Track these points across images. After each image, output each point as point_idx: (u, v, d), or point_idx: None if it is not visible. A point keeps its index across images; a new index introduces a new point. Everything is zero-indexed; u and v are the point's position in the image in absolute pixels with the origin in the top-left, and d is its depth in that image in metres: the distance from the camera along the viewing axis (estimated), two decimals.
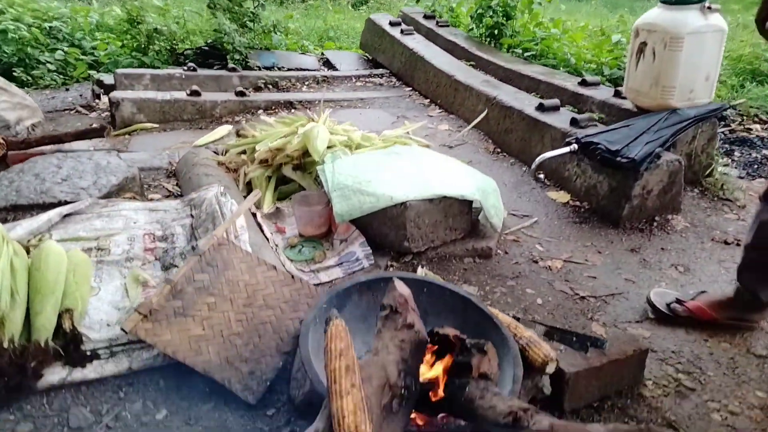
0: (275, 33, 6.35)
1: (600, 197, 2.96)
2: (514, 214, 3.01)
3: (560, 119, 3.36)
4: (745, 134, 4.54)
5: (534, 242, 2.76)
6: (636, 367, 1.85)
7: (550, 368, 1.64)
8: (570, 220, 2.96)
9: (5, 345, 1.54)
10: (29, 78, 5.38)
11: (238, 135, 3.41)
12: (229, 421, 1.64)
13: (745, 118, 4.80)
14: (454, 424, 1.56)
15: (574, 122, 3.20)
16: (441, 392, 1.34)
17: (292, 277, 1.98)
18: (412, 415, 1.52)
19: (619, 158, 2.72)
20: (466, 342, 1.46)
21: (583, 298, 2.36)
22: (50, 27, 5.98)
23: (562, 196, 3.16)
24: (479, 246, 2.58)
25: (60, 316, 1.69)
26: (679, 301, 2.21)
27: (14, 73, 5.29)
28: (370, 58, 6.38)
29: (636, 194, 2.80)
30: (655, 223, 2.90)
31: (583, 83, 3.93)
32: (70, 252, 1.89)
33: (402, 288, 1.53)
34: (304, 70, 5.73)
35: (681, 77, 3.03)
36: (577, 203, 3.09)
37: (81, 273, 1.84)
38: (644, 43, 3.10)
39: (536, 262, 2.59)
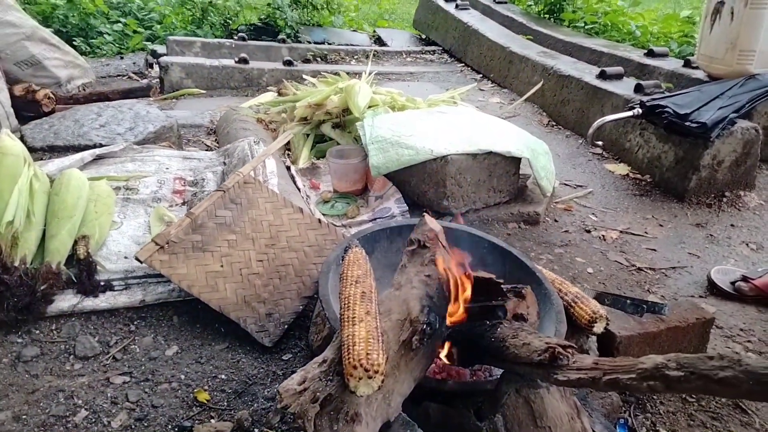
0: (327, 10, 6.29)
1: (664, 169, 2.70)
2: (567, 184, 2.79)
3: (623, 87, 3.10)
4: None
5: (587, 212, 2.54)
6: (698, 338, 1.63)
7: (598, 327, 1.44)
8: (629, 193, 2.72)
9: (16, 264, 1.48)
10: (88, 47, 5.50)
11: (280, 94, 3.33)
12: (242, 362, 1.53)
13: None
14: (486, 377, 1.41)
15: (638, 89, 2.94)
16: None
17: (319, 221, 1.85)
18: (439, 361, 1.38)
19: (688, 123, 2.46)
20: (503, 287, 1.29)
21: (639, 269, 2.13)
22: (118, 1, 6.12)
23: (622, 168, 2.91)
24: (526, 211, 2.38)
25: (76, 243, 1.63)
26: (745, 279, 1.96)
27: (74, 43, 5.42)
28: (424, 37, 6.21)
29: (705, 164, 2.53)
30: (725, 199, 2.62)
31: (650, 54, 3.64)
32: (94, 183, 1.83)
33: (433, 223, 1.37)
34: (355, 45, 5.62)
35: (763, 40, 2.72)
36: (638, 176, 2.84)
37: (103, 203, 1.77)
38: (721, 3, 2.81)
39: (589, 231, 2.38)
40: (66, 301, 1.56)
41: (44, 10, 5.60)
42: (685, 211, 2.55)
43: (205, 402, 1.39)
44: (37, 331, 1.53)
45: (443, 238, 1.36)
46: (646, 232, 2.39)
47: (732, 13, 2.76)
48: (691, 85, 3.09)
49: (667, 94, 2.78)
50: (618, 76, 3.25)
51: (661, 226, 2.45)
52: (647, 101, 2.66)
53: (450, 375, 1.42)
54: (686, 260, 2.20)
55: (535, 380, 1.03)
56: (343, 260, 1.23)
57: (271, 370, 1.51)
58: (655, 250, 2.26)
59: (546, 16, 5.33)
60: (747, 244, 2.33)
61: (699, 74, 3.16)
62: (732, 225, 2.46)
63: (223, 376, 1.47)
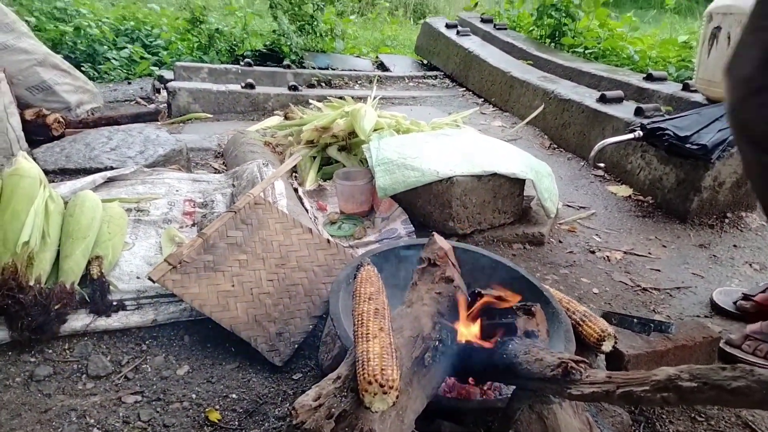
0: (331, 37, 6.41)
1: (666, 190, 2.73)
2: (570, 206, 2.82)
3: (623, 110, 3.15)
4: None
5: (591, 233, 2.56)
6: (705, 356, 1.64)
7: (607, 346, 1.46)
8: (632, 214, 2.75)
9: (32, 283, 1.50)
10: (96, 72, 5.60)
11: (286, 118, 3.38)
12: (253, 381, 1.53)
13: None
14: (497, 395, 1.42)
15: (638, 112, 2.99)
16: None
17: (328, 241, 1.88)
18: (450, 381, 1.39)
19: (688, 145, 2.50)
20: (513, 305, 1.31)
21: (644, 290, 2.15)
22: (125, 28, 6.26)
23: (624, 190, 2.94)
24: (530, 232, 2.41)
25: (89, 263, 1.65)
26: (746, 297, 1.97)
27: (83, 68, 5.52)
28: (425, 62, 6.32)
29: (706, 186, 2.56)
30: (726, 220, 2.65)
31: (649, 78, 3.70)
32: (107, 205, 1.86)
33: (442, 242, 1.40)
34: (358, 71, 5.71)
35: None
36: (640, 197, 2.87)
37: (116, 224, 1.80)
38: (718, 28, 2.88)
39: (593, 252, 2.40)
40: (79, 320, 1.57)
41: (54, 37, 5.72)
42: (688, 232, 2.58)
43: (217, 421, 1.40)
44: (50, 351, 1.54)
45: (453, 257, 1.39)
46: (649, 253, 2.41)
47: (729, 38, 2.82)
48: (690, 108, 3.14)
49: (667, 116, 2.83)
50: (618, 100, 3.31)
51: (664, 246, 2.47)
52: (648, 124, 2.71)
53: (461, 393, 1.43)
54: (690, 280, 2.22)
55: (548, 396, 1.04)
56: (355, 278, 1.25)
57: (281, 389, 1.52)
58: (659, 270, 2.28)
59: (547, 40, 5.43)
60: (750, 265, 2.35)
61: (698, 97, 3.21)
62: (735, 245, 2.49)
63: (234, 396, 1.48)
